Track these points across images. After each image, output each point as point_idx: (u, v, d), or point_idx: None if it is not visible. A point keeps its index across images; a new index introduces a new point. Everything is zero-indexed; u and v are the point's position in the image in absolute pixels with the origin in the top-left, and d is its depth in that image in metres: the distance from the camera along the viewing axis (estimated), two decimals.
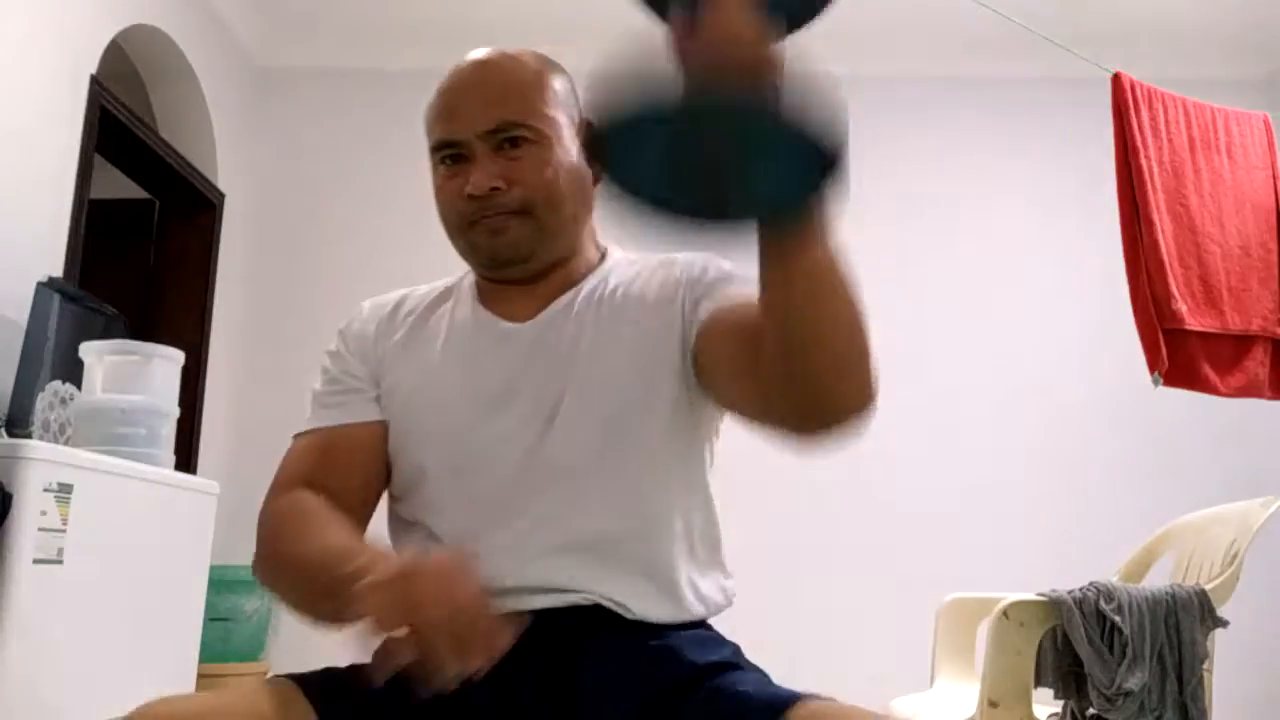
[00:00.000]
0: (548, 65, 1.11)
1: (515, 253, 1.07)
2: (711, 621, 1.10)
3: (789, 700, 0.91)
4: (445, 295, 1.17)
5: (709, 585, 1.09)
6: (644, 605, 1.02)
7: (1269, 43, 3.95)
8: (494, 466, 1.04)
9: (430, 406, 1.08)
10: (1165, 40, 3.90)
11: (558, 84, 1.11)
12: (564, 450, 1.03)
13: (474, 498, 1.05)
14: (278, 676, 0.98)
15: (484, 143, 1.05)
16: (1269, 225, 2.80)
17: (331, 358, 1.15)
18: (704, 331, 1.03)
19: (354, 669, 0.95)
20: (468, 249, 1.10)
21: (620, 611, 1.01)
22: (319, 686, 0.97)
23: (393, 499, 1.13)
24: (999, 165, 4.03)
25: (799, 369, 0.84)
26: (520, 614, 0.95)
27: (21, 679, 1.88)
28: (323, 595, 0.92)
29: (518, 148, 1.05)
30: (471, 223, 1.06)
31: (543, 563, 1.01)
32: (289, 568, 1.01)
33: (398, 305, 1.17)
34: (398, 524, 1.12)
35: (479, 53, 1.11)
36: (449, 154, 1.08)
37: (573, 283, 1.12)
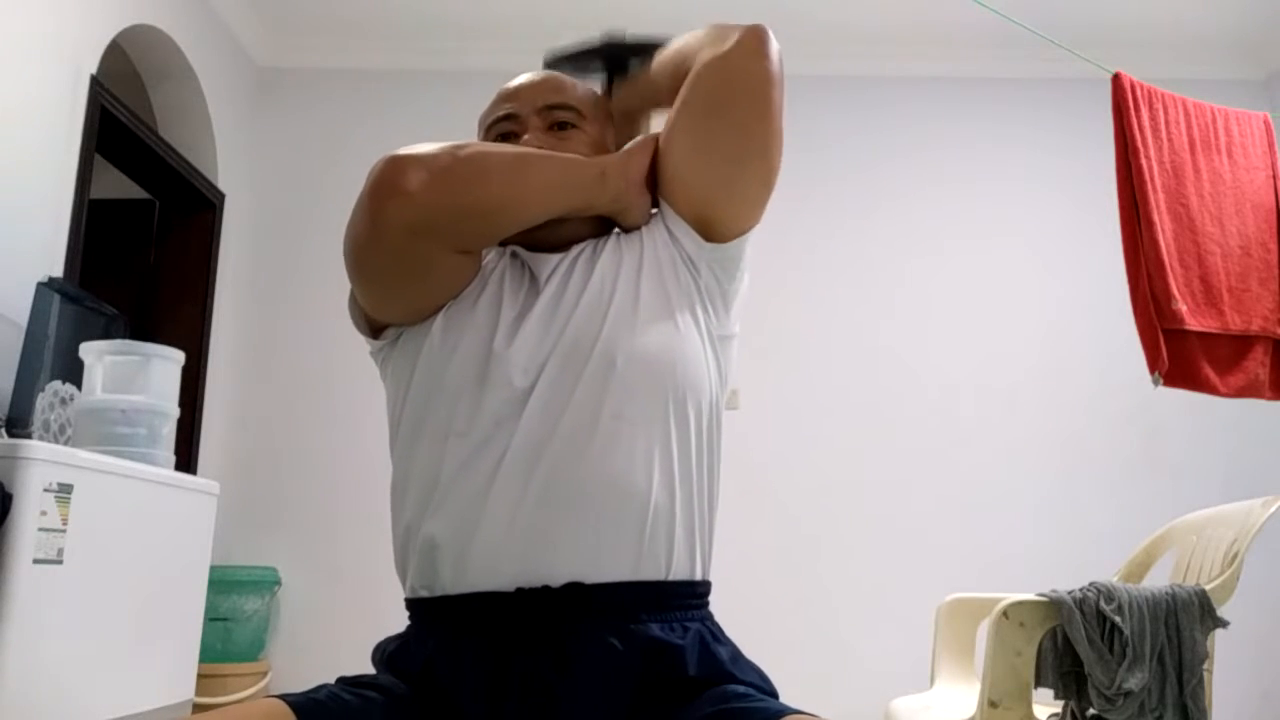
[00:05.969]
0: (593, 91, 1.28)
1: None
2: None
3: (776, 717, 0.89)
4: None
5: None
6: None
7: (1269, 43, 3.95)
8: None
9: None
10: (1165, 40, 3.91)
11: (599, 103, 1.26)
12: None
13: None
14: (270, 697, 0.97)
15: (539, 117, 1.18)
16: (1269, 225, 2.79)
17: None
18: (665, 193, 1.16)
19: (343, 689, 0.96)
20: None
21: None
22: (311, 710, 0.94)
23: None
24: (999, 165, 4.03)
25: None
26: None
27: (21, 679, 1.88)
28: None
29: (565, 131, 1.18)
30: None
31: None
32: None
33: None
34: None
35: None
36: (504, 130, 1.19)
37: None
